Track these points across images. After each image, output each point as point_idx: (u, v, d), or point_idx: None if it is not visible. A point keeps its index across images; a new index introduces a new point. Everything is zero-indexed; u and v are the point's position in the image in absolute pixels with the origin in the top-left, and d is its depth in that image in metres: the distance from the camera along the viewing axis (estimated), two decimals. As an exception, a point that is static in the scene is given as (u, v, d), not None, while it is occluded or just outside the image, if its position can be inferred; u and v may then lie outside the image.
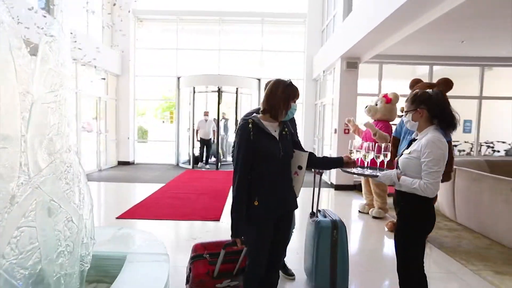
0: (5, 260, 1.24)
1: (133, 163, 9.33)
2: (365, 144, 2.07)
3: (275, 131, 1.77)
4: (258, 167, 1.70)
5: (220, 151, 9.80)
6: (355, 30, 5.31)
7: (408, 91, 5.87)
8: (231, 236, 1.70)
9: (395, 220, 4.03)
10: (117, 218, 4.22)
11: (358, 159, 2.13)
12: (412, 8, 3.84)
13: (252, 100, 9.55)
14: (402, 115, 5.04)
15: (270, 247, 1.79)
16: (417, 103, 1.80)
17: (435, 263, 3.10)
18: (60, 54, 1.55)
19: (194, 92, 8.75)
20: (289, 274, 2.66)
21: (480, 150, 7.29)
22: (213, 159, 9.39)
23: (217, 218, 4.30)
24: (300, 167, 1.88)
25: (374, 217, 4.49)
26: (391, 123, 4.63)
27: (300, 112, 9.06)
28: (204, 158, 8.74)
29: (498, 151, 8.04)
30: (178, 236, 3.84)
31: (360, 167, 2.20)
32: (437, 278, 2.77)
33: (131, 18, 8.87)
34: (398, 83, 8.12)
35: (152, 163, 9.53)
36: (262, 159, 1.69)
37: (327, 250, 2.22)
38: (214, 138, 8.60)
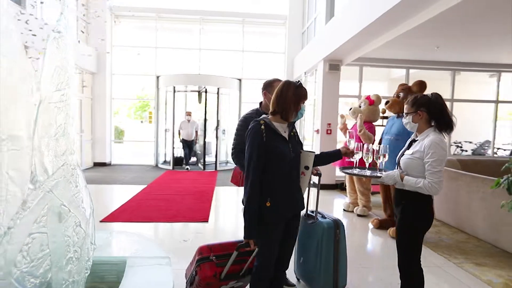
0: (16, 269, 1.16)
1: (109, 164, 9.00)
2: (365, 146, 2.13)
3: (285, 132, 1.79)
4: (269, 168, 1.71)
5: (200, 152, 9.71)
6: (338, 34, 5.45)
7: (384, 93, 6.11)
8: (245, 237, 1.69)
9: (380, 218, 4.19)
10: (101, 221, 4.06)
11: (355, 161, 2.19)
12: (394, 16, 4.01)
13: (232, 101, 9.53)
14: (385, 116, 5.27)
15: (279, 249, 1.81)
16: (417, 106, 1.89)
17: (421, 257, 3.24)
18: (67, 51, 1.48)
19: (174, 91, 8.59)
20: (289, 285, 2.54)
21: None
22: (192, 159, 9.27)
23: (205, 220, 4.26)
24: (307, 167, 1.91)
25: (359, 215, 4.63)
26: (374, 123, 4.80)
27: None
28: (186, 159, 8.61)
29: (466, 151, 8.57)
30: (168, 239, 3.75)
31: (359, 167, 2.27)
32: (425, 271, 2.89)
33: (107, 14, 8.56)
34: (375, 84, 8.46)
35: (129, 164, 9.24)
36: (274, 160, 1.71)
37: (331, 250, 2.26)
38: (196, 138, 8.48)
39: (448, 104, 6.93)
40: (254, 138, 1.69)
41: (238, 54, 9.39)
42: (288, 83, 1.78)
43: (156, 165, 9.19)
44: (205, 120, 8.54)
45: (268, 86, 2.24)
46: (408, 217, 1.86)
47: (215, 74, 8.85)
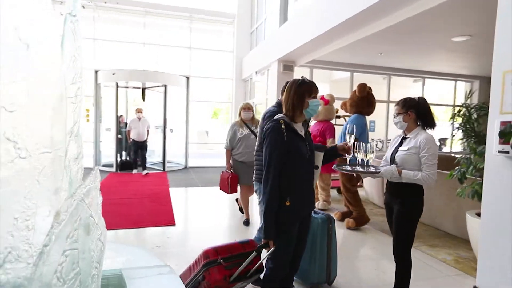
0: (51, 294, 0.98)
1: (39, 168, 7.91)
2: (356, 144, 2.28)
3: (301, 131, 1.81)
4: (289, 168, 1.71)
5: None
6: (293, 38, 5.67)
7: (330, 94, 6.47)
8: (264, 238, 1.68)
9: (342, 211, 4.50)
10: (52, 233, 3.58)
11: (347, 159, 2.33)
12: (348, 25, 4.37)
13: (179, 98, 9.18)
14: (338, 116, 5.63)
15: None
16: (407, 107, 2.09)
17: (383, 244, 3.59)
18: (80, 39, 1.28)
19: (117, 87, 7.94)
20: None
21: (383, 146, 8.62)
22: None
23: (172, 223, 4.06)
24: (316, 167, 1.96)
25: (320, 209, 4.89)
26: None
27: (230, 112, 9.15)
28: (140, 162, 7.96)
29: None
30: (140, 246, 3.49)
31: (349, 164, 2.41)
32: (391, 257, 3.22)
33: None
34: (318, 85, 8.97)
35: (63, 168, 8.25)
36: (293, 159, 1.72)
37: (325, 244, 2.36)
38: (148, 138, 7.93)
39: (384, 105, 7.75)
40: (274, 137, 1.68)
41: (186, 51, 9.10)
42: (291, 83, 1.78)
43: (96, 168, 8.38)
44: (165, 119, 8.13)
45: None
46: (408, 210, 2.05)
47: (161, 71, 8.43)
